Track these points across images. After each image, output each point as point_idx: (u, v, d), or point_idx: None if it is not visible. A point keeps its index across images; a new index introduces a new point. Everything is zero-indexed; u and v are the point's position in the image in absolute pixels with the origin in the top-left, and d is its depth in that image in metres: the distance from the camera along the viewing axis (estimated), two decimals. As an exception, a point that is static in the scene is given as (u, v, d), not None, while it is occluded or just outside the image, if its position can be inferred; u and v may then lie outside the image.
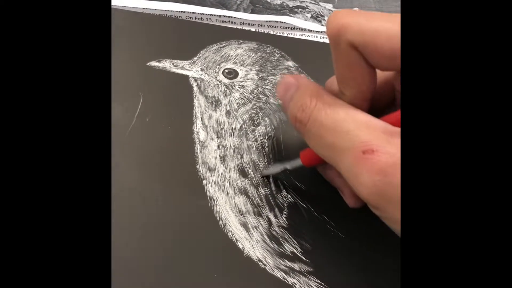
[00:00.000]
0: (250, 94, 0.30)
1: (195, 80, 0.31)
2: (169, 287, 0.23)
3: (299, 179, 0.27)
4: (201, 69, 0.31)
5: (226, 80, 0.31)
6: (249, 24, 0.36)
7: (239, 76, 0.31)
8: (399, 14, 0.17)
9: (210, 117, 0.29)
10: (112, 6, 0.35)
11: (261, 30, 0.36)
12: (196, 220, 0.25)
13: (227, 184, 0.26)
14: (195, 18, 0.36)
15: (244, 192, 0.26)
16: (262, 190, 0.26)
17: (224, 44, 0.33)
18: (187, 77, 0.31)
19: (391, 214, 0.17)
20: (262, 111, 0.30)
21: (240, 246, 0.24)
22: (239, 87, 0.30)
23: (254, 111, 0.29)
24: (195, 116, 0.29)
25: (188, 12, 0.36)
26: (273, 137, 0.28)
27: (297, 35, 0.36)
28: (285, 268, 0.24)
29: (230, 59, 0.32)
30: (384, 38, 0.18)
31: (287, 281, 0.23)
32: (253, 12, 0.38)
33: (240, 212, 0.25)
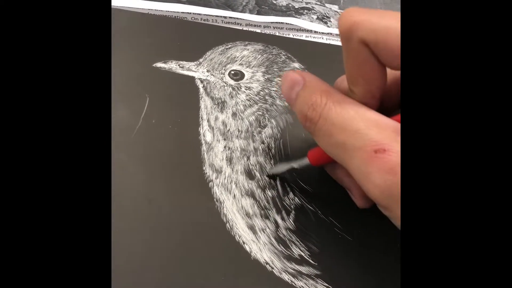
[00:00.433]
0: (256, 95, 0.30)
1: (201, 82, 0.31)
2: (175, 290, 0.22)
3: (306, 182, 0.26)
4: (207, 71, 0.31)
5: (232, 82, 0.31)
6: (255, 26, 0.36)
7: (245, 78, 0.31)
8: None
9: (216, 118, 0.29)
10: (117, 7, 0.35)
11: (267, 31, 0.36)
12: (203, 222, 0.25)
13: (233, 186, 0.26)
14: (201, 20, 0.36)
15: (251, 195, 0.26)
16: (269, 193, 0.26)
17: (230, 46, 0.33)
18: (193, 78, 0.31)
19: None
20: (268, 113, 0.29)
21: (247, 248, 0.24)
22: (245, 89, 0.30)
23: (260, 113, 0.29)
24: (201, 117, 0.29)
25: (193, 13, 0.36)
26: (279, 139, 0.28)
27: (303, 36, 0.36)
28: (292, 271, 0.24)
29: (236, 60, 0.32)
30: (395, 36, 0.18)
31: (295, 284, 0.23)
32: (258, 13, 0.37)
33: (247, 215, 0.25)
